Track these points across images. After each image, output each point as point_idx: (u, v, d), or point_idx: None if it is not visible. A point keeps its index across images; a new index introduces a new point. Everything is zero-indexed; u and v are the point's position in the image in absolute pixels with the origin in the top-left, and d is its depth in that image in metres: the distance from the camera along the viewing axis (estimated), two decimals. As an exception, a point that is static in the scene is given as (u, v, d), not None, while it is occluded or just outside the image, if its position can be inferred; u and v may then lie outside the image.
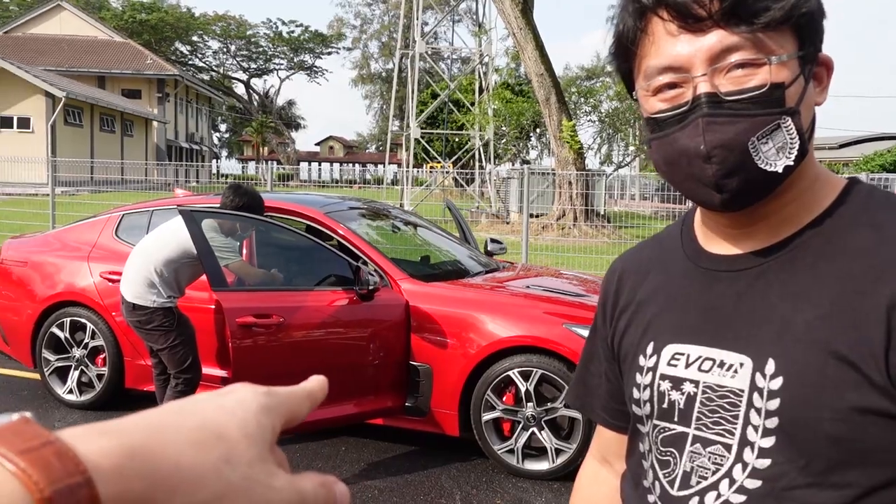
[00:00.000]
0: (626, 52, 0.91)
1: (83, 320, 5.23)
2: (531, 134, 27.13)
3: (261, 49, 61.81)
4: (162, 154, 40.14)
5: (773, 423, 0.83)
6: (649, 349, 0.98)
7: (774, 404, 0.83)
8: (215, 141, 64.74)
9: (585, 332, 3.90)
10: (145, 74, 39.17)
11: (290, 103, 68.41)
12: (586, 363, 1.17)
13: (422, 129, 29.24)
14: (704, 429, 0.89)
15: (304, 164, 58.92)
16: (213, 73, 62.48)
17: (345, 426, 4.61)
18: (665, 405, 0.94)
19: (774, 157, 0.83)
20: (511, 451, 4.24)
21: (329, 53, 64.06)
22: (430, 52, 30.15)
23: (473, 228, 9.55)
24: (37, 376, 5.52)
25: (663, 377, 0.94)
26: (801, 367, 0.82)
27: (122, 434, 0.32)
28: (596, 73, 28.96)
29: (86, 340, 5.22)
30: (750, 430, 0.85)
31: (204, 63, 61.61)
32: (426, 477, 4.23)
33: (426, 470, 4.32)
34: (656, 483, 0.95)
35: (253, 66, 63.12)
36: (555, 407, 4.16)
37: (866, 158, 27.13)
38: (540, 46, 15.99)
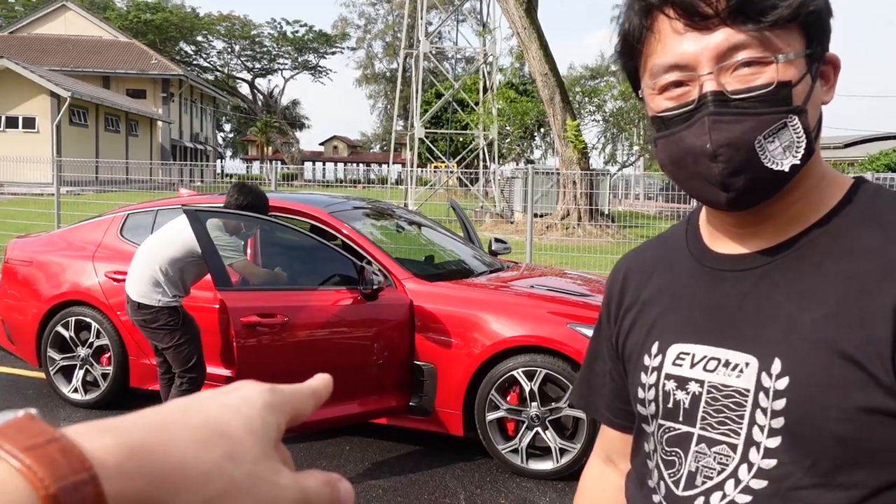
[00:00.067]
0: (631, 50, 0.91)
1: (88, 319, 5.24)
2: (535, 133, 27.12)
3: (265, 49, 61.90)
4: (166, 154, 40.21)
5: (779, 423, 0.83)
6: (654, 349, 0.97)
7: (780, 404, 0.83)
8: (220, 141, 64.83)
9: (590, 332, 3.89)
10: (150, 74, 39.25)
11: (295, 103, 68.48)
12: (591, 363, 1.17)
13: (426, 128, 29.25)
14: (710, 429, 0.89)
15: (308, 164, 59.02)
16: (218, 73, 62.60)
17: (349, 425, 4.61)
18: (670, 405, 0.93)
19: (781, 155, 0.82)
20: (515, 451, 4.24)
21: (333, 53, 64.13)
22: (434, 52, 30.16)
23: (477, 228, 9.55)
24: (42, 375, 5.54)
25: (668, 377, 0.94)
26: (807, 367, 0.82)
27: (126, 431, 0.32)
28: (600, 73, 28.92)
29: (91, 339, 5.24)
30: (756, 429, 0.84)
31: (208, 63, 61.77)
32: (430, 476, 4.23)
33: (430, 469, 4.32)
34: (661, 483, 0.95)
35: (257, 65, 63.24)
36: (559, 407, 4.15)
37: (871, 158, 27.03)
38: (544, 46, 15.98)
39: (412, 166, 29.10)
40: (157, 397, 4.70)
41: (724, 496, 0.86)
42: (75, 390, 5.26)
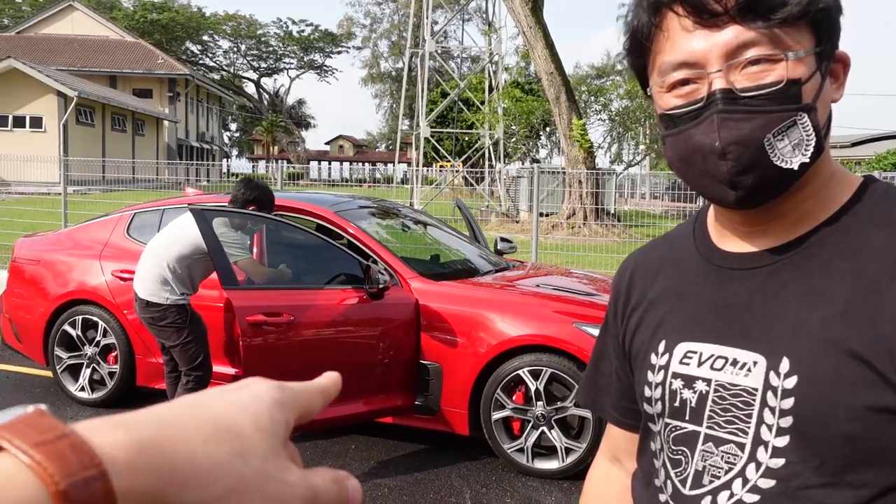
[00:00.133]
0: (640, 47, 0.90)
1: (95, 318, 5.26)
2: (541, 133, 27.08)
3: (271, 48, 62.01)
4: (173, 153, 40.32)
5: (787, 422, 0.82)
6: (661, 347, 0.97)
7: (789, 403, 0.82)
8: (226, 140, 64.99)
9: (595, 331, 3.89)
10: (156, 74, 39.35)
11: (301, 102, 68.64)
12: (597, 361, 1.17)
13: (432, 127, 29.23)
14: (717, 427, 0.88)
15: (314, 164, 58.98)
16: (224, 73, 62.72)
17: (355, 424, 4.62)
18: (677, 403, 0.93)
19: (790, 154, 0.82)
20: (521, 450, 4.24)
21: (339, 53, 64.22)
22: (439, 51, 30.15)
23: (483, 227, 9.54)
24: (49, 374, 5.56)
25: (675, 375, 0.94)
26: (815, 366, 0.81)
27: (135, 427, 0.32)
28: (606, 72, 28.89)
29: (97, 338, 5.25)
30: (764, 429, 0.84)
31: (214, 62, 61.90)
32: (436, 476, 4.23)
33: (436, 469, 4.32)
34: (668, 482, 0.94)
35: (263, 65, 63.34)
36: (565, 406, 4.15)
37: (879, 157, 26.91)
38: (550, 45, 15.96)
39: (418, 165, 29.12)
40: (164, 396, 4.72)
41: (732, 495, 0.86)
42: (82, 389, 5.28)
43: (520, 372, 4.19)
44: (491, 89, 29.75)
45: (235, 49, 61.58)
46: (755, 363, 0.86)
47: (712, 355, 0.90)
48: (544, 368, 4.14)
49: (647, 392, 0.98)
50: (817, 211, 0.88)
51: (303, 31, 60.61)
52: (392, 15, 61.33)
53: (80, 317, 5.30)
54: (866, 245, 0.84)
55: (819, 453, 0.81)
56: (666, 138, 0.90)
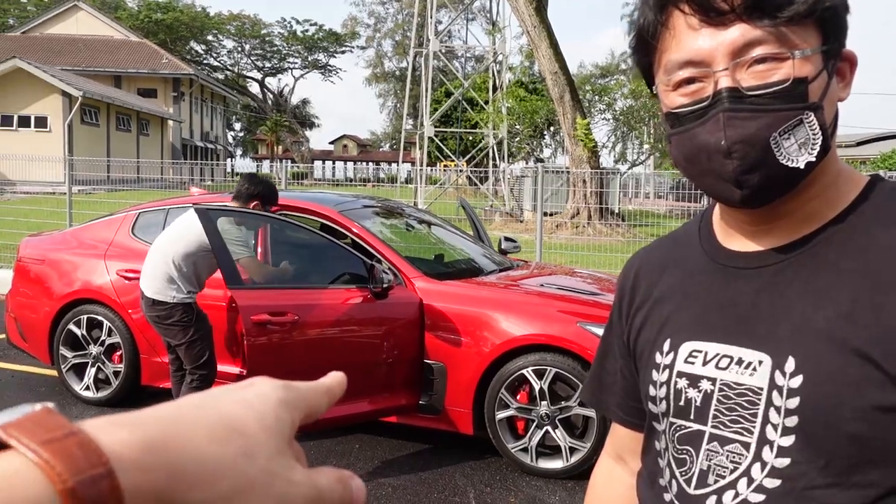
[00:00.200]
0: (646, 46, 0.90)
1: (100, 317, 5.28)
2: (545, 132, 27.06)
3: (275, 48, 62.09)
4: (177, 153, 40.37)
5: (792, 421, 0.82)
6: (666, 346, 0.97)
7: (794, 403, 0.82)
8: (230, 140, 65.09)
9: (599, 331, 3.89)
10: (161, 74, 39.41)
11: (305, 102, 68.66)
12: (602, 360, 1.17)
13: (435, 127, 29.25)
14: (722, 427, 0.88)
15: (318, 163, 59.08)
16: (228, 72, 62.83)
17: (359, 424, 4.62)
18: (681, 403, 0.93)
19: (796, 152, 0.82)
20: (525, 450, 4.24)
21: (343, 52, 64.28)
22: (443, 51, 30.15)
23: (487, 227, 9.55)
24: (54, 373, 5.57)
25: (680, 374, 0.93)
26: (821, 365, 0.81)
27: (142, 426, 0.32)
28: (610, 71, 28.85)
29: (102, 337, 5.27)
30: (769, 428, 0.84)
31: (219, 62, 62.01)
32: (440, 475, 4.23)
33: (440, 468, 4.32)
34: (673, 481, 0.94)
35: (267, 65, 63.43)
36: (569, 405, 4.15)
37: (884, 156, 26.83)
38: (554, 44, 15.95)
39: (422, 165, 29.12)
40: (168, 395, 4.73)
41: (737, 495, 0.85)
42: (87, 388, 5.30)
43: (524, 371, 4.19)
44: (495, 89, 29.75)
45: (240, 49, 61.70)
46: (760, 362, 0.85)
47: (717, 354, 0.90)
48: (548, 368, 4.14)
49: (652, 391, 0.98)
50: (824, 210, 0.88)
51: (307, 30, 60.71)
52: (396, 14, 61.43)
53: (85, 316, 5.32)
54: (873, 244, 0.83)
55: (825, 453, 0.80)
56: (672, 137, 0.89)
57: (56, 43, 39.27)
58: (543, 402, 4.17)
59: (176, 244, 4.28)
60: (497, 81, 29.64)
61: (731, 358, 0.88)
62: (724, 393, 0.88)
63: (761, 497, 0.84)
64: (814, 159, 0.82)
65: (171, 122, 40.08)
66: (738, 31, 0.81)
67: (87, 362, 5.30)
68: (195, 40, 58.17)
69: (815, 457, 0.81)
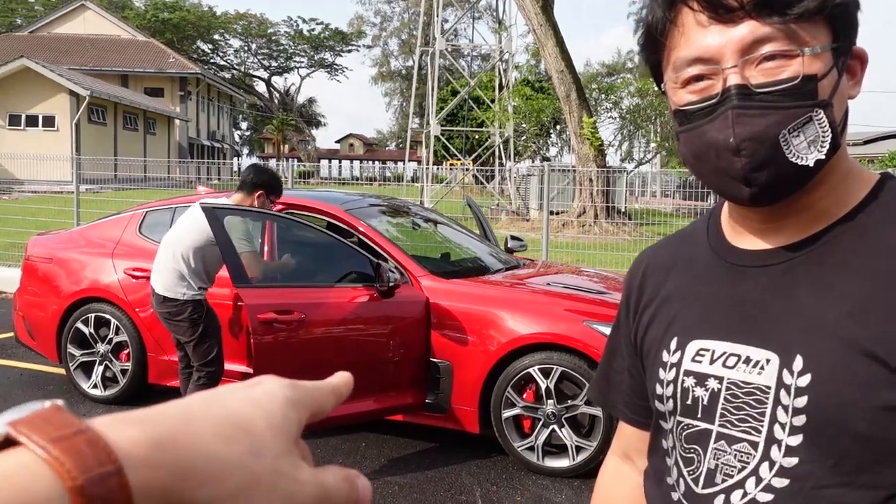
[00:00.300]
0: (654, 43, 0.90)
1: (107, 316, 5.30)
2: (551, 131, 27.02)
3: (281, 47, 62.16)
4: (184, 152, 40.48)
5: (800, 420, 0.82)
6: (673, 344, 0.96)
7: (802, 402, 0.81)
8: (236, 139, 65.19)
9: (606, 330, 3.88)
10: (168, 73, 39.51)
11: (311, 101, 68.74)
12: (609, 358, 1.16)
13: (442, 126, 29.22)
14: (729, 426, 0.88)
15: (324, 162, 59.03)
16: (235, 72, 62.93)
17: (365, 422, 4.63)
18: (689, 401, 0.93)
19: (806, 150, 0.81)
20: (531, 449, 4.24)
21: (349, 51, 64.29)
22: (449, 50, 30.14)
23: (493, 226, 9.53)
24: (62, 371, 5.60)
25: (687, 373, 0.93)
26: (829, 364, 0.80)
27: (151, 424, 0.32)
28: (617, 70, 28.78)
29: (110, 336, 5.29)
30: (777, 427, 0.83)
31: (225, 61, 62.13)
32: (446, 473, 4.23)
33: (446, 466, 4.32)
34: (680, 480, 0.94)
35: (274, 64, 63.52)
36: (575, 404, 4.14)
37: (893, 154, 26.69)
38: (560, 43, 15.93)
39: (428, 164, 29.11)
40: (175, 394, 4.74)
41: (745, 494, 0.85)
42: (95, 386, 5.32)
43: (530, 370, 4.19)
44: (501, 87, 29.71)
45: (246, 48, 61.79)
46: (768, 361, 0.85)
47: (725, 353, 0.90)
48: (555, 367, 4.14)
49: (659, 389, 0.98)
50: (833, 208, 0.88)
51: (313, 29, 60.75)
52: (402, 13, 61.38)
53: (93, 314, 5.34)
54: (882, 243, 0.83)
55: (833, 452, 0.80)
56: (680, 134, 0.89)
57: (63, 42, 39.41)
58: (550, 401, 4.16)
59: (184, 239, 4.30)
60: (503, 80, 29.60)
61: (739, 356, 0.88)
62: (731, 392, 0.88)
63: (770, 496, 0.83)
64: (823, 157, 0.82)
65: (177, 122, 40.19)
66: (748, 28, 0.80)
67: (95, 360, 5.33)
68: (202, 39, 58.29)
69: (823, 456, 0.81)
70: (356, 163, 63.81)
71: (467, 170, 26.19)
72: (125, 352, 5.25)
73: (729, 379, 0.88)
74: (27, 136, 28.36)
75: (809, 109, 0.81)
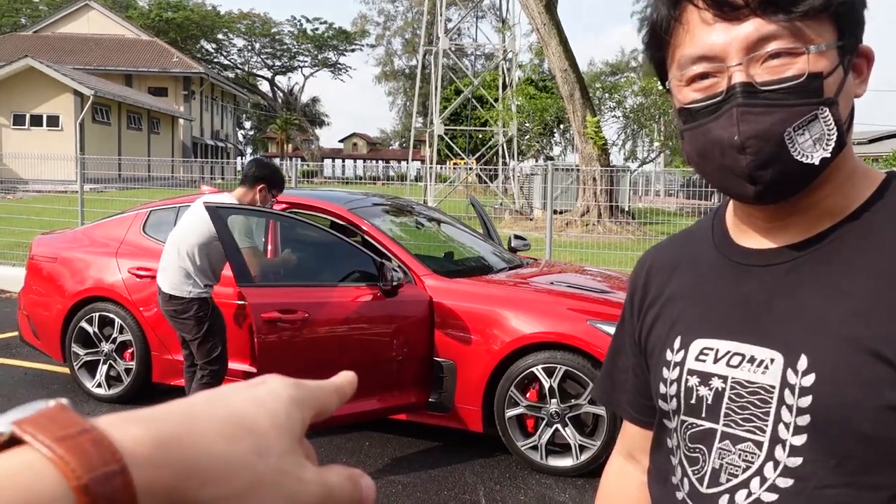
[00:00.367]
0: (659, 41, 0.89)
1: (111, 315, 5.31)
2: (555, 130, 27.02)
3: (285, 46, 62.23)
4: (188, 151, 40.52)
5: (804, 420, 0.81)
6: (677, 343, 0.96)
7: (806, 401, 0.81)
8: (240, 138, 65.30)
9: (610, 329, 3.88)
10: (171, 72, 39.56)
11: (314, 100, 68.85)
12: (613, 358, 1.16)
13: (445, 125, 29.22)
14: (734, 425, 0.87)
15: (328, 161, 59.05)
16: (238, 71, 63.01)
17: (369, 421, 4.63)
18: (693, 401, 0.92)
19: (811, 148, 0.81)
20: (535, 448, 4.24)
21: (353, 50, 64.34)
22: (453, 49, 30.13)
23: (497, 225, 9.53)
24: (66, 370, 5.61)
25: (691, 372, 0.93)
26: (834, 364, 0.80)
27: (155, 423, 0.32)
28: (620, 69, 28.73)
29: (114, 335, 5.30)
30: (781, 427, 0.83)
31: (229, 61, 62.19)
32: (450, 473, 4.23)
33: (450, 466, 4.32)
34: (685, 480, 0.94)
35: (277, 63, 63.59)
36: (579, 403, 4.14)
37: (897, 153, 26.61)
38: (564, 42, 15.91)
39: (431, 163, 29.12)
40: (180, 393, 4.75)
41: (750, 494, 0.85)
42: (99, 385, 5.33)
43: (534, 369, 4.18)
44: (505, 86, 29.69)
45: (250, 47, 61.88)
46: (772, 360, 0.85)
47: (729, 352, 0.89)
48: (558, 366, 4.13)
49: (663, 388, 0.98)
50: (838, 207, 0.87)
51: (317, 29, 60.80)
52: (406, 13, 61.37)
53: (97, 314, 5.35)
54: (888, 242, 0.83)
55: (837, 452, 0.80)
56: (684, 133, 0.89)
57: (68, 42, 39.48)
58: (553, 400, 4.16)
59: (189, 237, 4.30)
60: (507, 79, 29.58)
61: (743, 356, 0.88)
62: (735, 391, 0.88)
63: (774, 496, 0.83)
64: (828, 155, 0.81)
65: (181, 121, 40.24)
66: (753, 26, 0.80)
67: (99, 360, 5.34)
68: (206, 39, 58.37)
69: (827, 456, 0.80)
70: (360, 162, 63.78)
71: (471, 169, 26.19)
72: (129, 351, 5.26)
73: (733, 378, 0.88)
74: (31, 136, 28.42)
75: (815, 107, 0.80)
